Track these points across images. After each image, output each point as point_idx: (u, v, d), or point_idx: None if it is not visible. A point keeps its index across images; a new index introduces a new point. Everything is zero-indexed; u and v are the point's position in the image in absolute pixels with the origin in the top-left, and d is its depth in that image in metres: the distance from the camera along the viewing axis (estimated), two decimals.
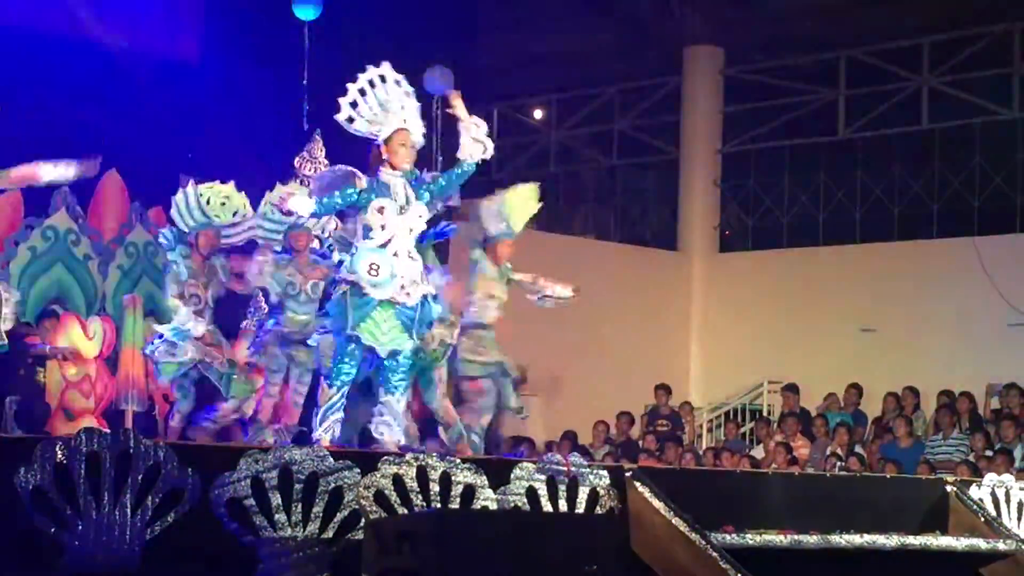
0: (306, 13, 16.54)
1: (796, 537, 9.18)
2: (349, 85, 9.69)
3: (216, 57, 17.82)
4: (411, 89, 9.82)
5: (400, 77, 9.82)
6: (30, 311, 14.01)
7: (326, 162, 15.49)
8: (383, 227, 9.53)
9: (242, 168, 16.62)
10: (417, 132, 9.79)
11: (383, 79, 9.74)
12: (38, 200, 14.57)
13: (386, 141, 9.69)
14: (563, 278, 19.90)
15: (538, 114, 25.98)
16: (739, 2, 22.57)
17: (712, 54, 23.61)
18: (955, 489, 10.49)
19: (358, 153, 15.82)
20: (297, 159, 15.54)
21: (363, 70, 9.87)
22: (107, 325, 13.42)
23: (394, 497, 7.98)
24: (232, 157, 16.92)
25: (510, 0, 21.48)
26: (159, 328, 11.91)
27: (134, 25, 17.03)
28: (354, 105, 9.69)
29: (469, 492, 8.26)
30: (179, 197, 12.05)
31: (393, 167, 9.69)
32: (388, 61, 9.96)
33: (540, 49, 23.17)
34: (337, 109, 9.77)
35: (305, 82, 16.38)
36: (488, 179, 24.60)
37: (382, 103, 9.69)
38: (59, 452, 7.07)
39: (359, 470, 7.89)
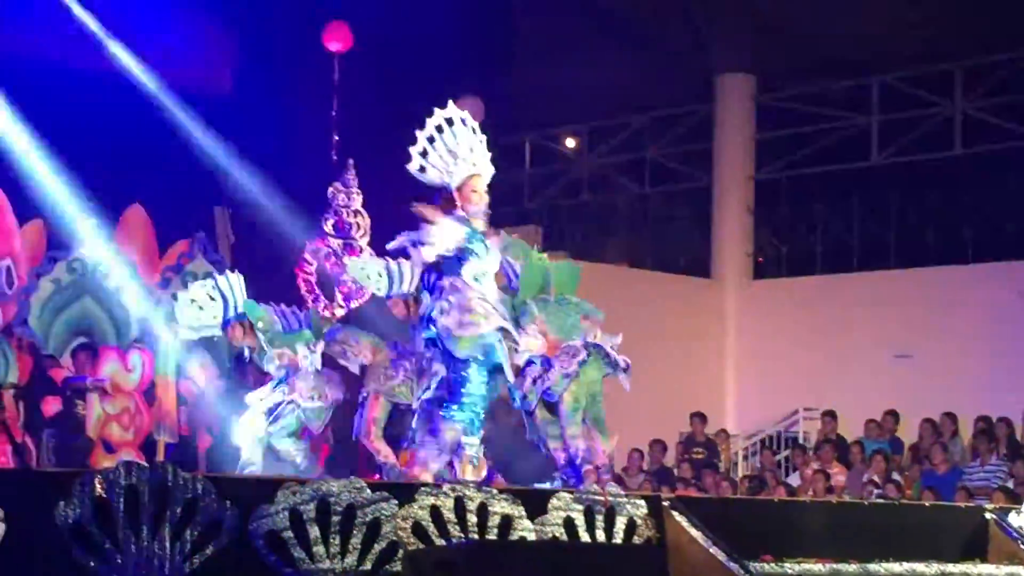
0: (336, 45, 16.61)
1: (835, 566, 9.12)
2: (418, 133, 9.60)
3: (249, 89, 17.92)
4: (476, 126, 9.72)
5: (465, 115, 9.71)
6: (54, 343, 14.03)
7: (359, 191, 15.55)
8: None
9: (276, 199, 16.76)
10: (488, 174, 9.75)
11: (450, 122, 9.65)
12: (63, 233, 14.64)
13: (458, 188, 9.65)
14: (596, 305, 19.99)
15: (570, 143, 26.02)
16: (770, 29, 22.57)
17: (744, 81, 23.62)
18: (994, 516, 10.42)
19: (392, 184, 15.92)
20: (331, 189, 15.60)
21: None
22: (145, 357, 13.46)
23: (432, 528, 7.96)
24: (266, 188, 17.02)
25: (541, 30, 21.52)
26: None
27: (167, 58, 17.15)
28: (424, 154, 9.63)
29: (506, 523, 8.24)
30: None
31: (467, 213, 9.70)
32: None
33: (572, 79, 23.21)
34: (398, 154, 9.76)
35: (334, 113, 16.44)
36: (521, 208, 24.76)
37: (451, 150, 9.59)
38: (98, 486, 7.08)
39: (396, 501, 7.88)
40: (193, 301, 11.76)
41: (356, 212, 15.62)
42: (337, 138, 16.65)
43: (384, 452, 11.74)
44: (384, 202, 15.28)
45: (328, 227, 15.57)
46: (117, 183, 15.93)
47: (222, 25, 18.04)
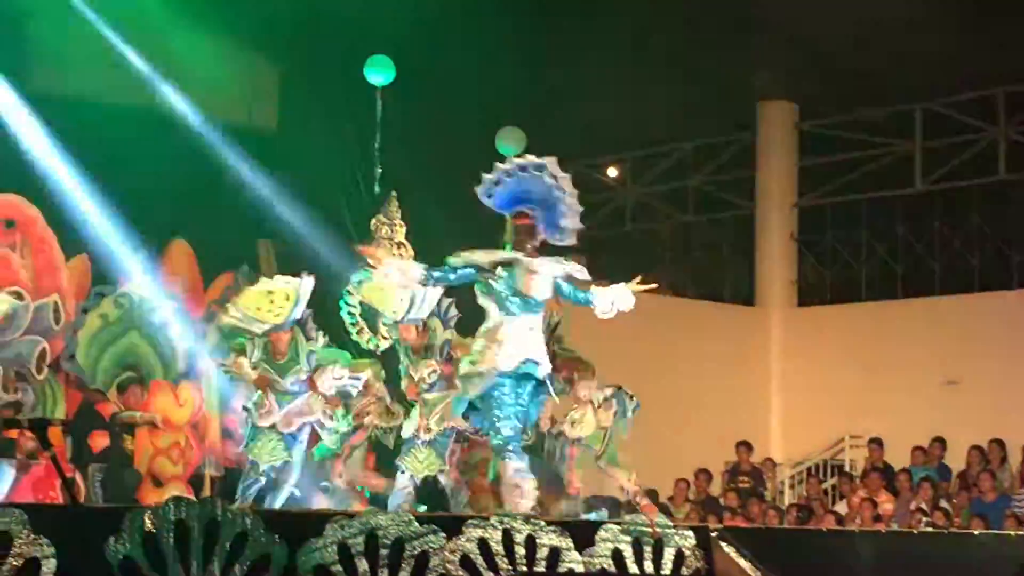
0: (379, 78, 16.64)
1: None
2: (498, 164, 9.85)
3: (293, 123, 18.00)
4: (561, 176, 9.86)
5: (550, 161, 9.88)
6: (101, 378, 14.07)
7: (402, 224, 15.56)
8: None
9: (319, 232, 16.80)
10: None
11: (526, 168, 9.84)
12: (109, 268, 14.70)
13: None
14: (640, 335, 19.99)
15: (612, 172, 25.99)
16: (811, 56, 22.52)
17: (785, 109, 23.59)
18: None
19: (435, 216, 15.95)
20: (374, 221, 15.61)
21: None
22: (196, 391, 13.49)
23: (480, 561, 7.96)
24: (308, 221, 17.08)
25: (582, 59, 21.52)
26: None
27: (212, 93, 17.24)
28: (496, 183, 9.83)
29: (554, 555, 8.23)
30: None
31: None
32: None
33: (614, 108, 23.19)
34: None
35: (378, 146, 16.46)
36: None
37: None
38: (148, 521, 7.11)
39: (444, 534, 7.89)
40: (270, 292, 11.63)
41: (400, 244, 15.63)
42: (380, 170, 16.68)
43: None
44: (427, 233, 15.30)
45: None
46: (161, 218, 16.00)
47: (266, 59, 18.15)
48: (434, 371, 11.99)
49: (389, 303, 11.94)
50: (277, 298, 11.61)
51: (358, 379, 11.93)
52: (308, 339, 11.92)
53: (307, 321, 12.00)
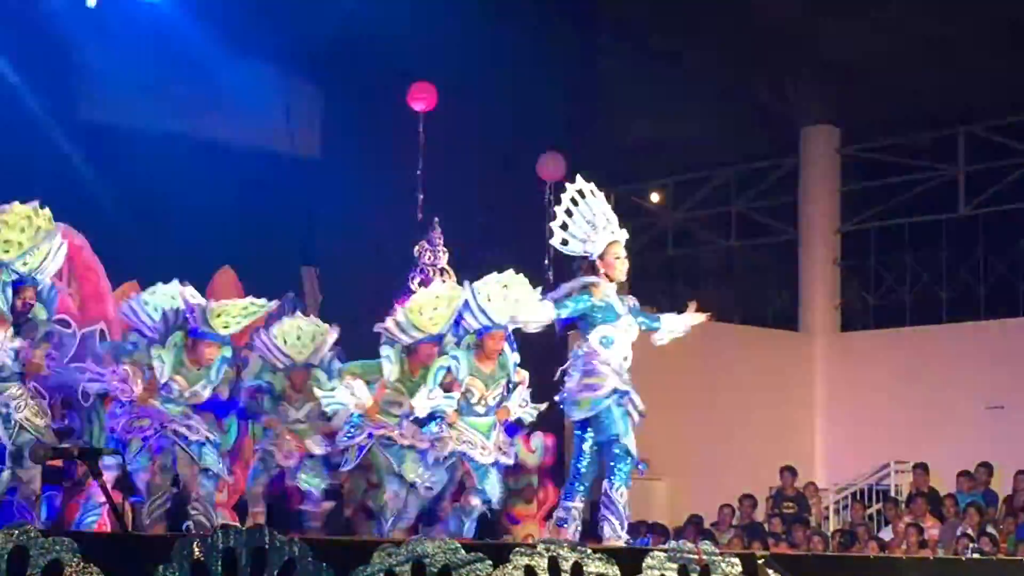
0: (420, 104, 16.70)
1: None
2: (556, 209, 9.81)
3: (336, 149, 18.08)
4: (602, 195, 9.93)
5: (592, 186, 9.91)
6: None
7: (445, 250, 15.58)
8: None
9: (362, 258, 16.86)
10: (623, 238, 9.91)
11: (582, 194, 9.84)
12: None
13: (601, 256, 9.78)
14: (684, 361, 19.95)
15: (655, 197, 26.01)
16: (854, 81, 22.50)
17: (828, 133, 23.56)
18: None
19: (476, 241, 15.97)
20: (417, 247, 15.64)
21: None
22: (239, 418, 13.51)
23: None
24: (351, 247, 17.13)
25: (625, 84, 21.56)
26: None
27: (255, 120, 17.33)
28: (564, 227, 9.82)
29: None
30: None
31: (610, 279, 9.81)
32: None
33: (656, 133, 23.22)
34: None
35: (420, 171, 16.49)
36: None
37: (589, 220, 9.78)
38: (196, 549, 7.13)
39: (491, 562, 7.88)
40: (436, 297, 11.19)
41: (442, 270, 15.65)
42: (422, 196, 16.70)
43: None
44: (470, 259, 15.32)
45: (415, 285, 15.60)
46: (207, 245, 16.06)
47: (309, 86, 18.24)
48: (501, 395, 11.31)
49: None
50: (440, 304, 11.05)
51: (452, 398, 11.03)
52: (441, 353, 11.18)
53: (447, 332, 11.27)
